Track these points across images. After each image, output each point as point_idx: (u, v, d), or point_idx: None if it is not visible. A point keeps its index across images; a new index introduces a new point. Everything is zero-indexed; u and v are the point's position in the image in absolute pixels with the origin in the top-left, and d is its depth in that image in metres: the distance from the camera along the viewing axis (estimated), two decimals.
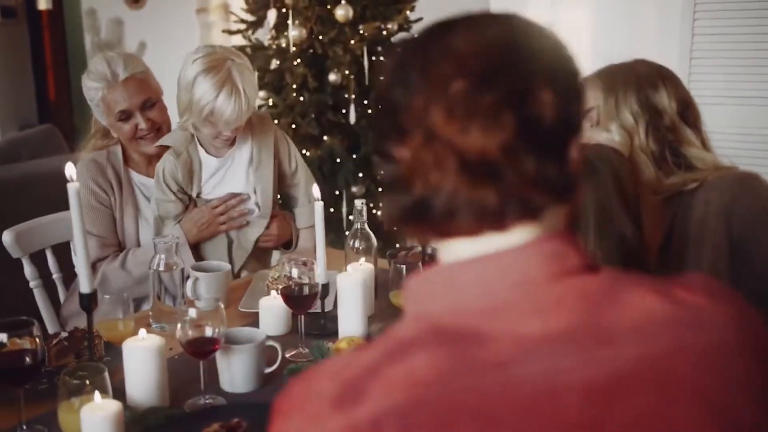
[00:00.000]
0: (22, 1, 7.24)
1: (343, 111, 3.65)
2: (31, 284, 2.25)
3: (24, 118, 7.20)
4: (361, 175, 3.59)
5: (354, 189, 3.57)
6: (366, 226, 1.98)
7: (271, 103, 3.65)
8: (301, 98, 3.58)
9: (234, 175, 2.13)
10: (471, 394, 0.61)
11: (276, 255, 2.36)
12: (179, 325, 1.39)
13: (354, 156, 3.60)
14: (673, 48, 3.18)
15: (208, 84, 1.91)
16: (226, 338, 1.44)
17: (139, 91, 2.10)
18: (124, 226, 2.13)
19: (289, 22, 3.51)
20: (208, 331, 1.40)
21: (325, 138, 3.59)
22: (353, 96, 3.57)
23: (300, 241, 2.27)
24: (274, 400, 0.72)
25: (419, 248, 2.14)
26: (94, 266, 2.07)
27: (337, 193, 3.61)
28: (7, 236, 2.18)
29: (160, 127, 2.15)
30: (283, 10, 3.61)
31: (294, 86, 3.57)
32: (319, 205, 1.73)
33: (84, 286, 1.36)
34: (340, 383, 0.66)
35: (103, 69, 2.08)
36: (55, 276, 2.32)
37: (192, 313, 1.38)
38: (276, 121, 3.59)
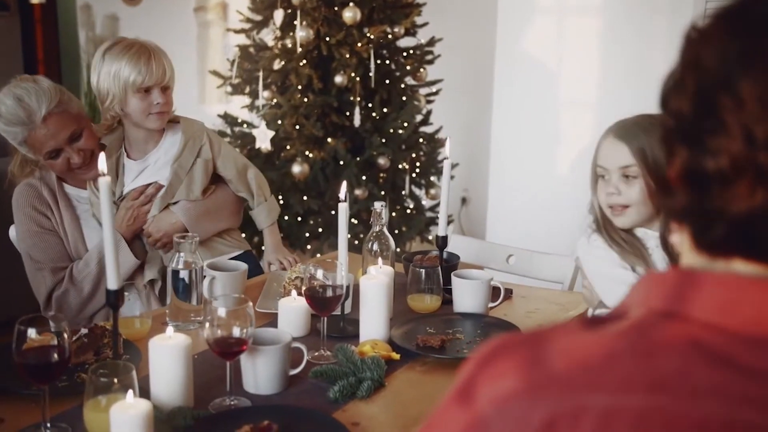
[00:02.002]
0: None
1: (348, 114, 3.63)
2: None
3: None
4: (364, 178, 3.57)
5: (357, 192, 3.55)
6: (385, 229, 1.96)
7: (274, 103, 3.63)
8: (306, 99, 3.56)
9: (150, 176, 2.10)
10: (725, 422, 0.57)
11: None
12: (207, 324, 1.36)
13: (357, 159, 3.58)
14: None
15: (116, 51, 1.96)
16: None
17: (62, 127, 1.95)
18: (70, 241, 2.06)
19: (297, 22, 3.49)
20: (236, 331, 1.37)
21: (329, 140, 3.57)
22: (358, 99, 3.55)
23: (266, 240, 2.26)
24: (480, 349, 0.67)
25: (435, 252, 2.13)
26: (49, 297, 2.03)
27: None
28: (14, 231, 2.14)
29: (93, 152, 2.02)
30: (289, 11, 3.60)
31: (299, 87, 3.55)
32: (343, 206, 1.71)
33: (111, 281, 1.33)
34: (573, 362, 0.62)
35: (16, 111, 1.91)
36: None
37: (221, 312, 1.35)
38: (279, 122, 3.57)
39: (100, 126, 2.11)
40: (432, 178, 3.89)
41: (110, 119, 2.07)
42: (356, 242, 3.65)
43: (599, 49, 3.42)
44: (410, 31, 3.72)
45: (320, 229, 3.58)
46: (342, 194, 1.72)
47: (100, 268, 1.98)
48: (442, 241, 2.00)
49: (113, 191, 2.07)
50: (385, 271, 1.79)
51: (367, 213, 3.67)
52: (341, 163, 3.58)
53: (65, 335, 1.29)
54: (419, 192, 3.90)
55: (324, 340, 1.61)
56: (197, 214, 2.10)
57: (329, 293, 1.60)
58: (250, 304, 1.39)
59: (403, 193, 3.78)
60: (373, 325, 1.66)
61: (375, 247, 1.95)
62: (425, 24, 3.81)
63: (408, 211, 3.86)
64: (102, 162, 1.35)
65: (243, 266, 1.91)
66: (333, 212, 3.62)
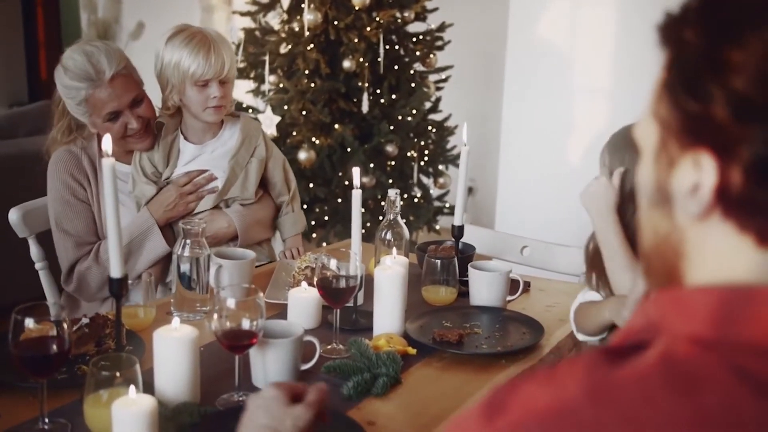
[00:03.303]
0: None
1: (355, 100, 3.54)
2: (37, 266, 2.13)
3: (14, 97, 7.03)
4: (372, 165, 3.49)
5: (365, 180, 3.47)
6: (399, 217, 1.88)
7: (280, 88, 3.54)
8: (313, 84, 3.47)
9: (203, 161, 2.04)
10: None
11: None
12: (215, 316, 1.29)
13: (365, 146, 3.49)
14: None
15: (178, 41, 1.92)
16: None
17: (127, 89, 1.93)
18: (103, 217, 1.99)
19: (305, 5, 3.40)
20: (246, 324, 1.30)
21: (336, 126, 3.49)
22: (367, 84, 3.47)
23: (286, 242, 2.21)
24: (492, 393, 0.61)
25: (449, 242, 2.05)
26: (71, 269, 1.98)
27: (346, 183, 3.50)
28: (14, 215, 2.07)
29: (148, 122, 2.00)
30: None
31: (306, 72, 3.46)
32: (357, 193, 1.63)
33: (114, 270, 1.25)
34: (605, 404, 0.55)
35: (85, 66, 1.89)
36: None
37: (231, 303, 1.28)
38: (285, 107, 3.49)
39: (161, 111, 2.05)
40: (440, 167, 3.81)
41: (171, 108, 2.00)
42: (363, 231, 3.58)
43: (614, 35, 3.33)
44: (420, 16, 3.63)
45: (326, 218, 3.51)
46: (356, 181, 1.64)
47: (128, 251, 1.93)
48: (458, 231, 1.93)
49: (163, 172, 2.01)
50: (399, 261, 1.71)
51: (375, 201, 3.60)
52: (348, 150, 3.50)
53: (65, 325, 1.21)
54: (427, 181, 3.82)
55: (337, 333, 1.53)
56: (251, 222, 2.06)
57: (342, 284, 1.53)
58: (261, 294, 1.32)
59: (411, 181, 3.70)
60: (388, 318, 1.58)
61: (388, 236, 1.87)
62: (435, 9, 3.72)
63: (415, 200, 3.78)
64: (107, 143, 1.26)
65: (250, 254, 1.83)
66: (339, 200, 3.54)
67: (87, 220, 1.99)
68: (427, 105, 3.73)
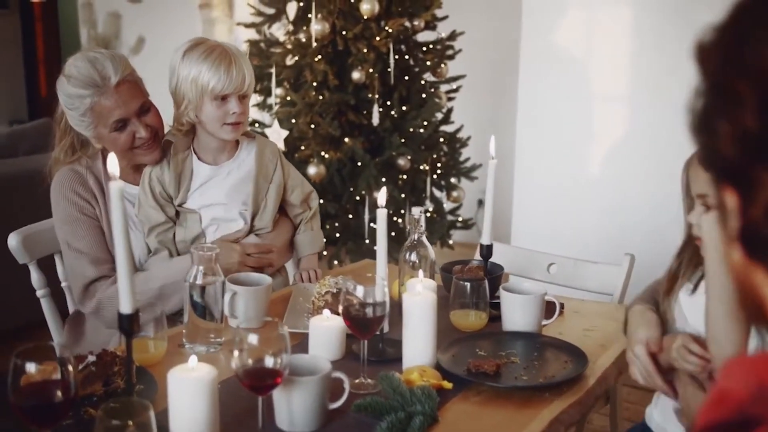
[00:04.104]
0: None
1: (365, 112, 3.43)
2: (39, 293, 2.02)
3: (14, 114, 6.93)
4: (384, 180, 3.37)
5: (376, 195, 3.34)
6: (424, 237, 1.76)
7: (287, 101, 3.43)
8: (321, 97, 3.36)
9: (219, 186, 1.93)
10: None
11: None
12: (235, 352, 1.17)
13: (376, 159, 3.38)
14: None
15: (196, 55, 1.82)
16: None
17: (134, 96, 1.84)
18: (114, 239, 1.88)
19: (312, 15, 3.29)
20: (269, 361, 1.18)
21: (345, 140, 3.37)
22: (377, 96, 3.36)
23: (302, 262, 2.09)
24: None
25: (475, 262, 1.93)
26: (86, 288, 1.86)
27: (357, 198, 3.39)
28: (14, 240, 1.95)
29: (156, 133, 1.90)
30: (302, 4, 3.41)
31: (314, 84, 3.35)
32: (382, 213, 1.52)
33: (124, 304, 1.13)
34: None
35: (89, 72, 1.79)
36: (64, 284, 2.08)
37: (252, 339, 1.16)
38: (293, 121, 3.38)
39: (172, 128, 1.94)
40: (452, 180, 3.69)
41: (185, 125, 1.89)
42: (375, 248, 3.46)
43: (630, 40, 3.23)
44: (430, 25, 3.52)
45: (337, 234, 3.39)
46: (380, 200, 1.52)
47: (161, 294, 1.80)
48: (486, 251, 1.81)
49: (176, 195, 1.89)
50: (427, 284, 1.59)
51: (389, 219, 3.48)
52: (359, 164, 3.39)
53: (70, 367, 1.09)
54: (440, 194, 3.70)
55: (365, 366, 1.41)
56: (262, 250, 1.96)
57: (370, 313, 1.41)
58: (286, 328, 1.20)
59: (424, 195, 3.59)
60: (418, 348, 1.46)
61: (413, 257, 1.75)
62: (445, 17, 3.61)
63: (427, 214, 3.66)
64: (113, 164, 1.15)
65: (266, 280, 1.72)
66: (350, 216, 3.42)
67: (97, 236, 1.88)
68: (438, 116, 3.61)
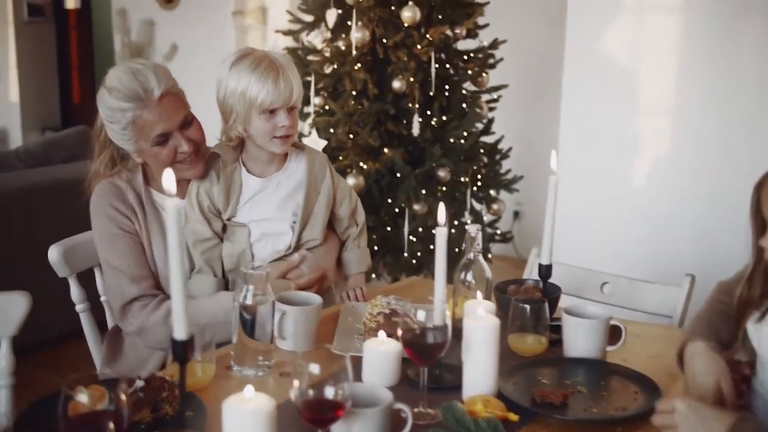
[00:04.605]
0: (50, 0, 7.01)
1: (404, 121, 3.36)
2: (78, 308, 1.97)
3: (47, 121, 6.96)
4: (424, 192, 3.30)
5: (416, 207, 3.27)
6: (480, 256, 1.68)
7: (326, 110, 3.37)
8: (360, 106, 3.30)
9: (269, 199, 1.87)
10: None
11: None
12: (295, 383, 1.10)
13: (416, 171, 3.30)
14: None
15: (244, 67, 1.76)
16: None
17: (177, 109, 1.78)
18: (154, 254, 1.83)
19: (352, 22, 3.23)
20: (329, 392, 1.10)
21: (385, 150, 3.30)
22: (417, 105, 3.29)
23: (349, 281, 2.01)
24: None
25: (530, 281, 1.85)
26: (126, 307, 1.79)
27: (396, 210, 3.32)
28: (54, 253, 1.90)
29: (199, 147, 1.83)
30: (339, 12, 3.34)
31: (353, 93, 3.29)
32: (442, 231, 1.44)
33: (179, 330, 1.07)
34: None
35: (132, 85, 1.73)
36: (103, 299, 2.03)
37: (314, 368, 1.09)
38: (331, 130, 3.32)
39: (220, 142, 1.89)
40: (491, 192, 3.61)
41: (234, 139, 1.83)
42: (413, 261, 3.38)
43: (681, 51, 3.12)
44: (472, 33, 3.44)
45: (375, 248, 3.31)
46: (440, 218, 1.44)
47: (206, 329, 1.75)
48: (545, 271, 1.72)
49: (225, 209, 1.84)
50: (487, 307, 1.51)
51: (426, 230, 3.41)
52: (398, 175, 3.31)
53: (122, 396, 1.03)
54: (479, 207, 3.62)
55: (424, 394, 1.33)
56: (315, 266, 1.90)
57: (431, 339, 1.33)
58: (348, 357, 1.12)
59: (464, 208, 3.50)
60: (480, 375, 1.38)
61: (469, 277, 1.67)
62: (486, 25, 3.53)
63: (466, 227, 3.57)
64: (170, 179, 1.08)
65: (316, 299, 1.64)
66: (389, 228, 3.35)
67: (137, 252, 1.82)
68: (479, 126, 3.53)
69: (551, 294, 1.78)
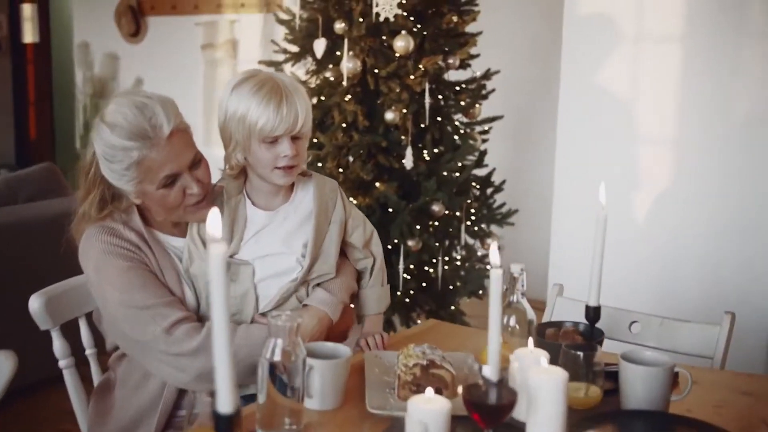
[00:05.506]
0: (6, 33, 6.74)
1: (395, 154, 3.21)
2: (61, 363, 1.75)
3: (1, 158, 6.65)
4: (418, 227, 3.14)
5: (411, 243, 3.11)
6: (524, 299, 1.52)
7: (315, 142, 3.21)
8: (350, 139, 3.14)
9: (275, 233, 1.70)
10: None
11: None
12: None
13: (410, 205, 3.14)
14: None
15: (246, 90, 1.60)
16: None
17: (186, 148, 1.60)
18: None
19: (344, 52, 3.09)
20: None
21: (377, 184, 3.14)
22: (410, 138, 3.14)
23: (366, 324, 1.84)
24: None
25: (569, 324, 1.70)
26: (170, 330, 1.56)
27: (389, 247, 3.15)
28: (36, 303, 1.69)
29: (207, 189, 1.66)
30: (327, 42, 3.20)
31: (343, 125, 3.13)
32: (496, 274, 1.27)
33: (224, 401, 0.88)
34: None
35: (138, 122, 1.54)
36: (88, 352, 1.82)
37: None
38: (320, 164, 3.15)
39: (224, 174, 1.72)
40: (482, 226, 3.46)
41: (235, 167, 1.66)
42: (407, 300, 3.21)
43: (679, 81, 3.04)
44: (465, 63, 3.33)
45: None
46: (494, 258, 1.28)
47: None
48: (593, 314, 1.57)
49: (228, 245, 1.65)
50: (539, 355, 1.35)
51: (419, 267, 3.25)
52: (391, 210, 3.15)
53: None
54: (471, 242, 3.47)
55: None
56: (338, 309, 1.72)
57: (497, 397, 1.16)
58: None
59: (456, 242, 3.35)
60: None
61: (512, 321, 1.51)
62: (477, 55, 3.42)
63: (457, 263, 3.42)
64: (215, 218, 0.89)
65: (345, 351, 1.46)
66: None
67: (157, 281, 1.61)
68: (470, 159, 3.40)
69: (596, 338, 1.62)
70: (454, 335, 1.88)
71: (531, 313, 1.53)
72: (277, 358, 1.26)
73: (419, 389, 1.44)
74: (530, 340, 1.41)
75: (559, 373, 1.23)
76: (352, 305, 1.84)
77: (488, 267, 3.57)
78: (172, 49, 5.80)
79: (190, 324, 1.57)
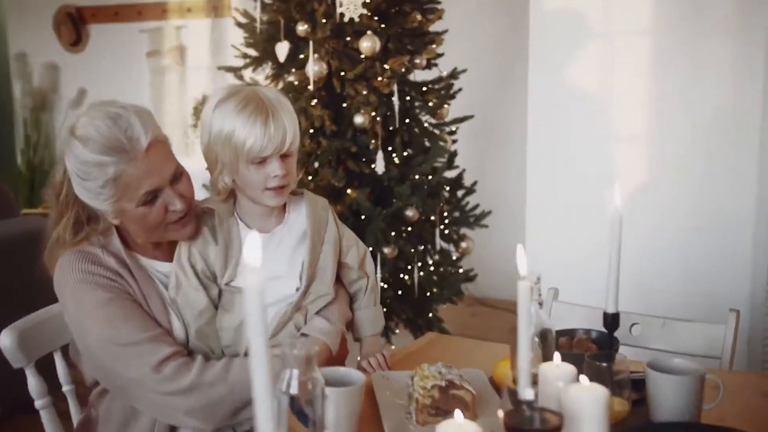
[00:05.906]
0: None
1: (364, 159, 3.11)
2: (38, 404, 1.60)
3: None
4: (393, 233, 3.05)
5: (386, 251, 3.01)
6: (542, 309, 1.44)
7: None
8: (317, 144, 3.03)
9: (271, 255, 1.58)
10: None
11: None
12: None
13: (384, 211, 3.05)
14: (753, 95, 2.79)
15: (230, 108, 1.49)
16: None
17: (166, 160, 1.48)
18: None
19: (309, 54, 2.97)
20: None
21: (348, 191, 3.04)
22: (380, 142, 3.05)
23: (364, 346, 1.75)
24: None
25: (581, 331, 1.63)
26: (158, 368, 1.43)
27: None
28: (8, 339, 1.53)
29: (190, 204, 1.54)
30: (288, 45, 3.08)
31: (310, 131, 3.02)
32: (524, 286, 1.19)
33: None
34: None
35: (114, 134, 1.40)
36: (66, 388, 1.67)
37: None
38: None
39: (210, 196, 1.61)
40: (455, 229, 3.39)
41: (222, 192, 1.54)
42: (384, 309, 3.11)
43: (650, 75, 3.02)
44: (431, 63, 3.25)
45: None
46: (521, 269, 1.19)
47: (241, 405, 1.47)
48: (612, 321, 1.50)
49: (223, 272, 1.53)
50: (567, 371, 1.27)
51: (395, 275, 3.16)
52: (363, 217, 3.05)
53: None
54: (446, 245, 3.40)
55: None
56: (338, 339, 1.61)
57: (541, 421, 1.07)
58: None
59: (430, 247, 3.27)
60: None
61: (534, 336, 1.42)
62: (441, 54, 3.35)
63: (432, 268, 3.34)
64: (255, 243, 0.76)
65: (358, 377, 1.35)
66: None
67: (142, 313, 1.48)
68: (440, 161, 3.32)
69: (612, 346, 1.55)
70: (457, 349, 1.79)
71: (548, 323, 1.45)
72: (294, 390, 1.14)
73: (438, 412, 1.35)
74: (557, 354, 1.33)
75: (601, 391, 1.14)
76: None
77: (461, 271, 3.50)
78: (116, 57, 5.58)
79: (179, 360, 1.44)
